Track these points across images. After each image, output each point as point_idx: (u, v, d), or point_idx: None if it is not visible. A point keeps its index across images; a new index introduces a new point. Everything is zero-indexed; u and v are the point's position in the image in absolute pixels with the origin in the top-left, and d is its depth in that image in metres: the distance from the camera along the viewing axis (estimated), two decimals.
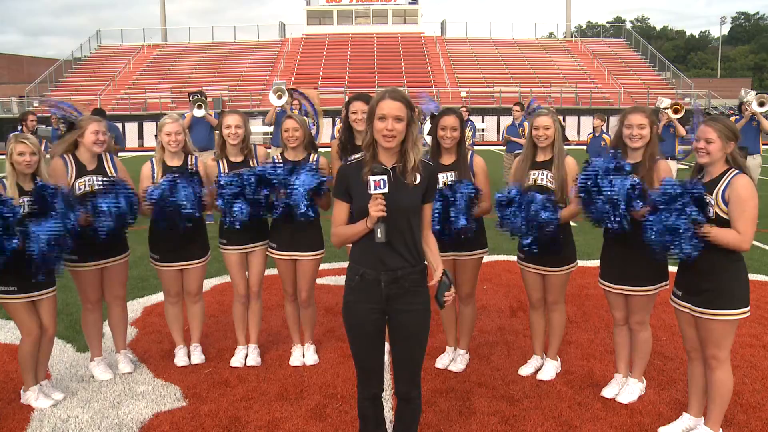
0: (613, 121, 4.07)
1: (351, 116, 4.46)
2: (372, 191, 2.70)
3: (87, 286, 4.34)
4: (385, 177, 2.70)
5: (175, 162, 4.45)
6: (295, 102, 11.80)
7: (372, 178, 2.70)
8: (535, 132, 4.11)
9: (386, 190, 2.70)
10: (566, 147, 4.25)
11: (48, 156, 4.28)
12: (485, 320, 5.54)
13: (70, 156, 4.24)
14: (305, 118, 4.63)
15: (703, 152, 3.31)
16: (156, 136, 4.50)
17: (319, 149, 4.60)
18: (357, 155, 2.89)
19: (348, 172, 2.86)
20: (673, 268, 3.63)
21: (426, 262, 2.93)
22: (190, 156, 4.52)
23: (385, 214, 2.68)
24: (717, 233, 3.20)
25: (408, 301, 2.84)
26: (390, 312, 2.86)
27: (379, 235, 2.69)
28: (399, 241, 2.78)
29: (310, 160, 4.45)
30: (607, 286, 3.99)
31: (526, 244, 4.05)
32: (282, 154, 4.53)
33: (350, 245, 2.96)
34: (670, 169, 3.79)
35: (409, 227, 2.81)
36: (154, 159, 4.45)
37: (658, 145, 3.82)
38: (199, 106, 10.25)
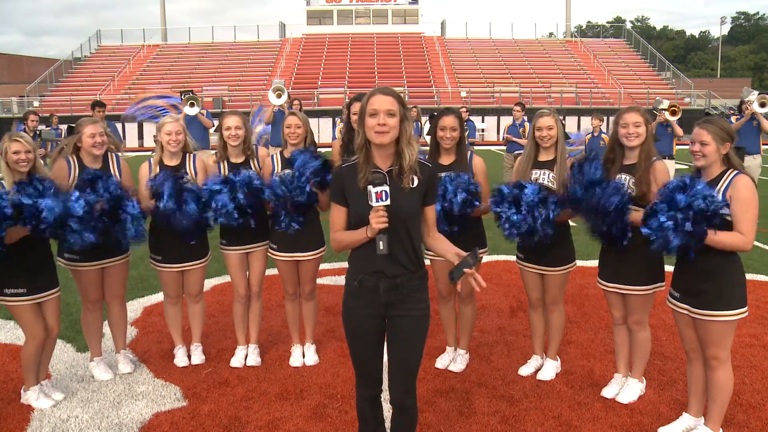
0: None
1: (352, 117, 4.45)
2: (373, 203, 2.61)
3: (88, 286, 4.34)
4: (387, 188, 2.61)
5: (173, 162, 4.43)
6: (295, 103, 11.83)
7: (373, 190, 2.61)
8: (538, 133, 4.12)
9: (388, 202, 2.61)
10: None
11: (48, 160, 4.28)
12: (485, 320, 5.54)
13: (74, 157, 4.23)
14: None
15: (699, 155, 3.31)
16: (155, 136, 4.49)
17: (320, 149, 4.60)
18: (353, 158, 2.82)
19: (343, 175, 2.79)
20: (669, 269, 3.63)
21: (425, 268, 2.88)
22: (188, 155, 4.51)
23: (387, 225, 2.61)
24: (721, 238, 3.18)
25: (407, 307, 2.79)
26: (388, 316, 2.82)
27: (381, 247, 2.63)
28: (398, 248, 2.72)
29: None
30: (604, 285, 4.00)
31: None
32: (281, 152, 4.53)
33: None
34: (667, 169, 3.79)
35: (407, 234, 2.74)
36: (152, 159, 4.44)
37: (653, 144, 3.83)
38: (192, 104, 10.23)
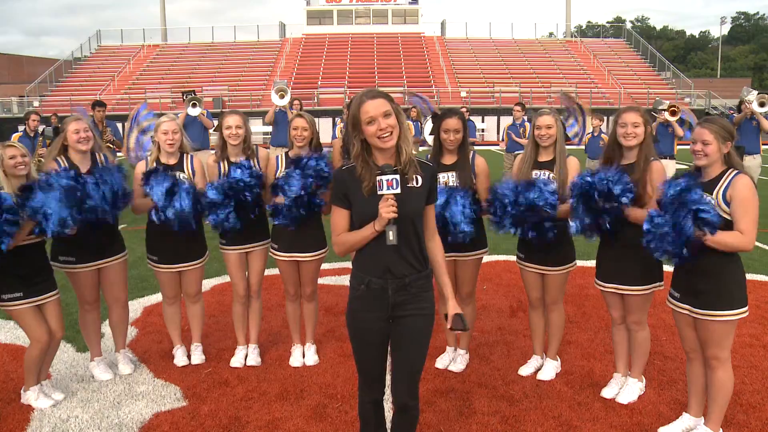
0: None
1: None
2: (384, 191, 2.59)
3: (84, 288, 4.34)
4: (397, 177, 2.59)
5: (171, 161, 4.43)
6: (296, 103, 11.82)
7: (384, 178, 2.59)
8: (537, 132, 4.12)
9: (399, 190, 2.60)
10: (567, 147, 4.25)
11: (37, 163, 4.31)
12: (485, 320, 5.54)
13: (63, 158, 4.22)
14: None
15: (701, 154, 3.30)
16: (152, 136, 4.49)
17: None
18: (352, 161, 2.78)
19: (345, 177, 2.76)
20: (668, 269, 3.63)
21: (431, 268, 2.87)
22: (185, 155, 4.52)
23: (396, 215, 2.59)
24: (721, 238, 3.18)
25: (413, 306, 2.78)
26: (395, 317, 2.80)
27: (391, 237, 2.59)
28: (406, 246, 2.71)
29: None
30: (602, 285, 4.00)
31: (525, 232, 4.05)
32: (287, 153, 4.53)
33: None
34: (664, 170, 3.78)
35: (414, 232, 2.74)
36: (148, 158, 4.45)
37: (652, 145, 3.82)
38: (194, 105, 10.22)
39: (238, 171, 4.28)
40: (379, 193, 2.61)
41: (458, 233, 4.03)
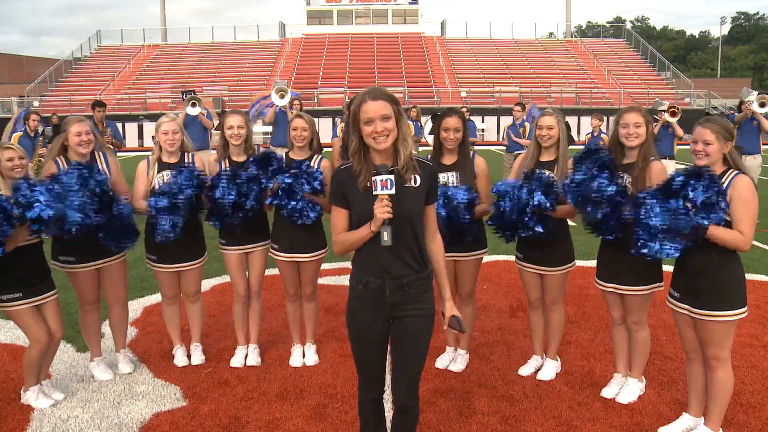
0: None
1: None
2: (378, 191, 2.59)
3: (84, 287, 4.33)
4: (392, 177, 2.60)
5: (172, 160, 4.44)
6: (296, 102, 11.82)
7: (378, 178, 2.59)
8: (539, 132, 4.12)
9: (393, 191, 2.60)
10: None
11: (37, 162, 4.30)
12: (485, 320, 5.54)
13: (62, 159, 4.21)
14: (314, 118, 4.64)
15: (702, 154, 3.30)
16: (153, 136, 4.50)
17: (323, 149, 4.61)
18: (350, 160, 2.78)
19: (343, 177, 2.77)
20: (668, 269, 3.63)
21: (430, 269, 2.86)
22: (186, 155, 4.52)
23: (391, 215, 2.59)
24: (719, 233, 3.19)
25: (413, 307, 2.77)
26: (394, 317, 2.79)
27: (385, 238, 2.59)
28: (403, 247, 2.70)
29: (313, 161, 4.45)
30: (602, 285, 4.00)
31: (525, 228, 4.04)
32: (287, 153, 4.53)
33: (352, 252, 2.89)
34: (664, 169, 3.78)
35: (413, 232, 2.73)
36: (150, 158, 4.45)
37: (652, 145, 3.82)
38: (193, 104, 10.23)
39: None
40: (374, 193, 2.61)
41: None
